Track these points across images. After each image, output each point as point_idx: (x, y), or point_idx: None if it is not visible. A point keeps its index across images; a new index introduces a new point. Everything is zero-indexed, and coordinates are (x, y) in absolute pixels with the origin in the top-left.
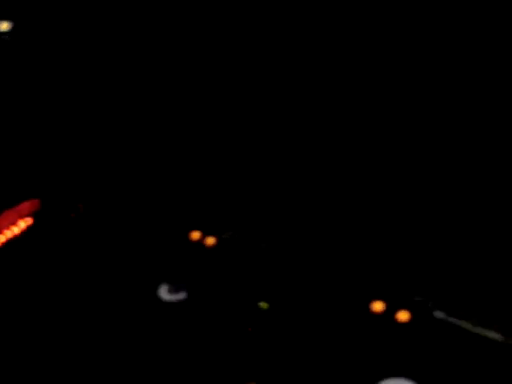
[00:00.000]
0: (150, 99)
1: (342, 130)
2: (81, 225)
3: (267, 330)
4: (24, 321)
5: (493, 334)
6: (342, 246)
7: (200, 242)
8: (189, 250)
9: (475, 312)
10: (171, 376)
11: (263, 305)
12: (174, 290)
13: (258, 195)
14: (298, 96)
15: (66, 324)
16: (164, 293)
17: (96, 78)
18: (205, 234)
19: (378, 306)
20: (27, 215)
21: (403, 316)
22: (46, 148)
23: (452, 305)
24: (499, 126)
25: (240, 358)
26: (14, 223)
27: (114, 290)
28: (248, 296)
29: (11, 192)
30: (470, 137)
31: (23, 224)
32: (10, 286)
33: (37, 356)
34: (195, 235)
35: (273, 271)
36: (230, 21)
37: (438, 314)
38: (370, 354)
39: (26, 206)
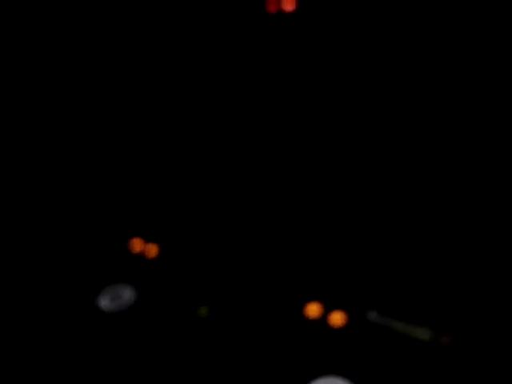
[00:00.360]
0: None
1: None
2: (19, 234)
3: (206, 336)
4: None
5: (423, 334)
6: (277, 251)
7: (141, 252)
8: (130, 259)
9: (406, 312)
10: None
11: (202, 311)
12: (114, 300)
13: (197, 204)
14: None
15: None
16: (104, 303)
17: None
18: (146, 244)
19: (312, 310)
20: None
21: (337, 319)
22: None
23: (384, 306)
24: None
25: (179, 362)
26: None
27: (53, 300)
28: (188, 303)
29: None
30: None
31: None
32: None
33: None
34: (137, 245)
35: (210, 277)
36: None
37: (371, 316)
38: (304, 355)
39: None
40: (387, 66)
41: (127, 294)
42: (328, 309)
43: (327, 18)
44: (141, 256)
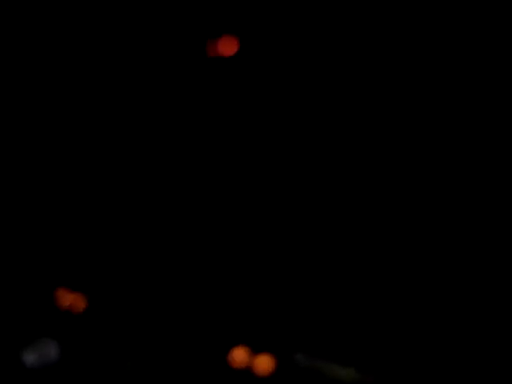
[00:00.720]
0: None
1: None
2: None
3: None
4: None
5: (349, 375)
6: (197, 295)
7: (69, 307)
8: (56, 313)
9: (332, 354)
10: None
11: (129, 365)
12: (38, 355)
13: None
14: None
15: None
16: (28, 358)
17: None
18: (73, 294)
19: (238, 356)
20: None
21: (265, 366)
22: None
23: (310, 349)
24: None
25: None
26: None
27: None
28: (114, 357)
29: None
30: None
31: None
32: None
33: None
34: (64, 299)
35: (134, 329)
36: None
37: (299, 359)
38: None
39: None
40: (325, 107)
41: (52, 350)
42: (254, 353)
43: (266, 62)
44: (67, 310)
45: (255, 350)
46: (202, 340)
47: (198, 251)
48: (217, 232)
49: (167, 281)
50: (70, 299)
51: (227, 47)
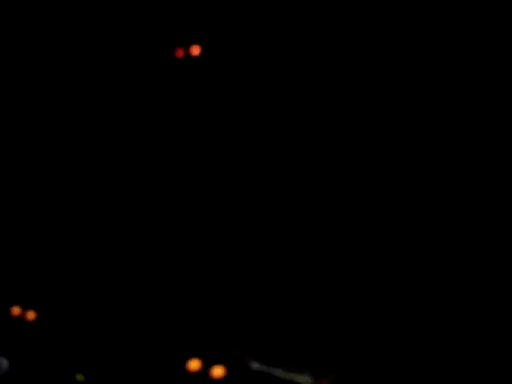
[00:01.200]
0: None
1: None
2: None
3: None
4: None
5: (304, 379)
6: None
7: (20, 317)
8: (9, 324)
9: (286, 359)
10: None
11: (79, 377)
12: None
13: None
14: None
15: None
16: None
17: None
18: (25, 309)
19: (193, 364)
20: None
21: (218, 371)
22: None
23: (265, 354)
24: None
25: None
26: None
27: None
28: (66, 369)
29: None
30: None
31: None
32: None
33: None
34: (15, 310)
35: (88, 339)
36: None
37: (253, 365)
38: None
39: None
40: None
41: (1, 363)
42: (208, 362)
43: (228, 61)
44: (15, 324)
45: (209, 361)
46: (158, 350)
47: (150, 265)
48: (168, 251)
49: (126, 295)
50: (19, 314)
51: (194, 49)
